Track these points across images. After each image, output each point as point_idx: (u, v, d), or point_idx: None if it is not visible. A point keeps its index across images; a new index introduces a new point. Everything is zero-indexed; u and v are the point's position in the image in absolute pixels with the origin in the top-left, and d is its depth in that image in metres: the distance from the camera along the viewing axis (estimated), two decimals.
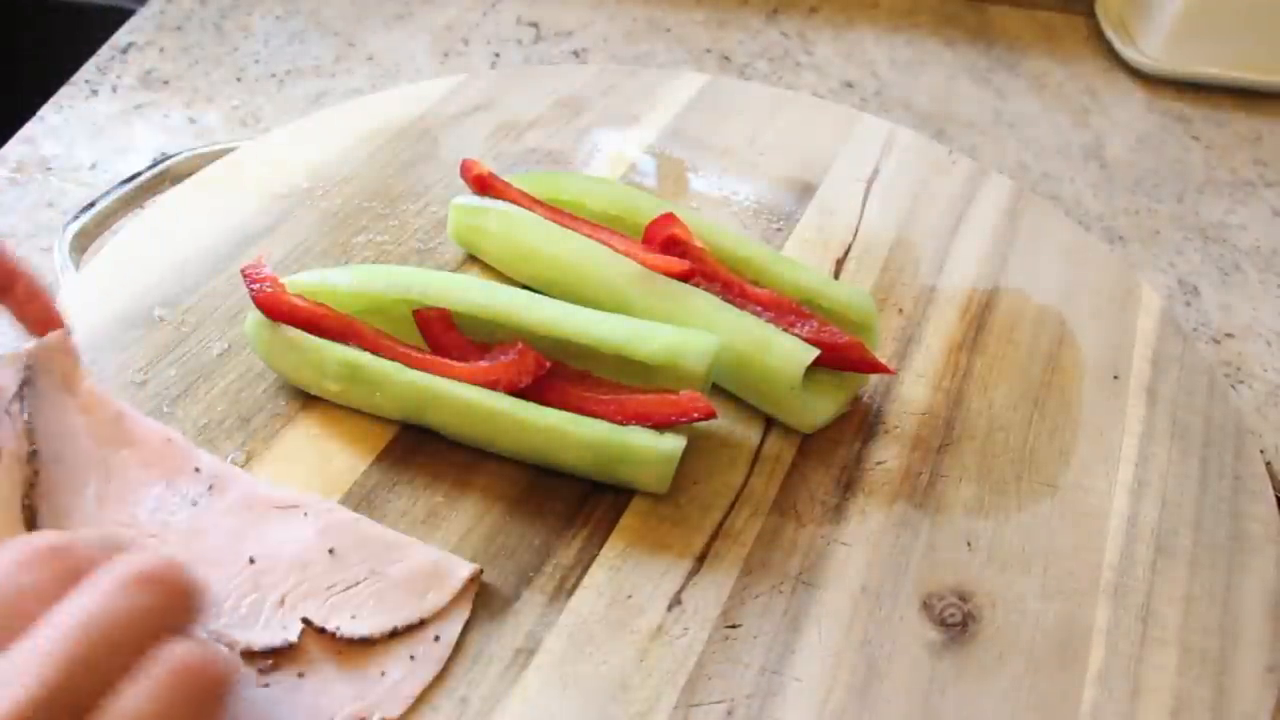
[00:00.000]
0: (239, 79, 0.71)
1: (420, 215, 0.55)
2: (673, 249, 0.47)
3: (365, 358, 0.43)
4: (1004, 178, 0.61)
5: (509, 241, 0.50)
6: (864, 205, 0.58)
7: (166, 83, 0.71)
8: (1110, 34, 0.79)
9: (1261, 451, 0.48)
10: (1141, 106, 0.74)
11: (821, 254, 0.55)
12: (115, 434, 0.40)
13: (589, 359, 0.44)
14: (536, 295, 0.45)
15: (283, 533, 0.38)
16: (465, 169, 0.53)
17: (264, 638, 0.35)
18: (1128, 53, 0.76)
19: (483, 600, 0.39)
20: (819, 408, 0.45)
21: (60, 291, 0.49)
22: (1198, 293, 0.59)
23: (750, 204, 0.58)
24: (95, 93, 0.70)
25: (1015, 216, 0.58)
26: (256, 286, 0.43)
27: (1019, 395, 0.48)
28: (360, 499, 0.42)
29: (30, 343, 0.39)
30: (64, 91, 0.71)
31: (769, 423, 0.46)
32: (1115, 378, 0.49)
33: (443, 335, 0.45)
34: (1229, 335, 0.56)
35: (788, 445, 0.45)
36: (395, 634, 0.36)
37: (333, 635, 0.36)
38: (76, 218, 0.53)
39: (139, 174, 0.56)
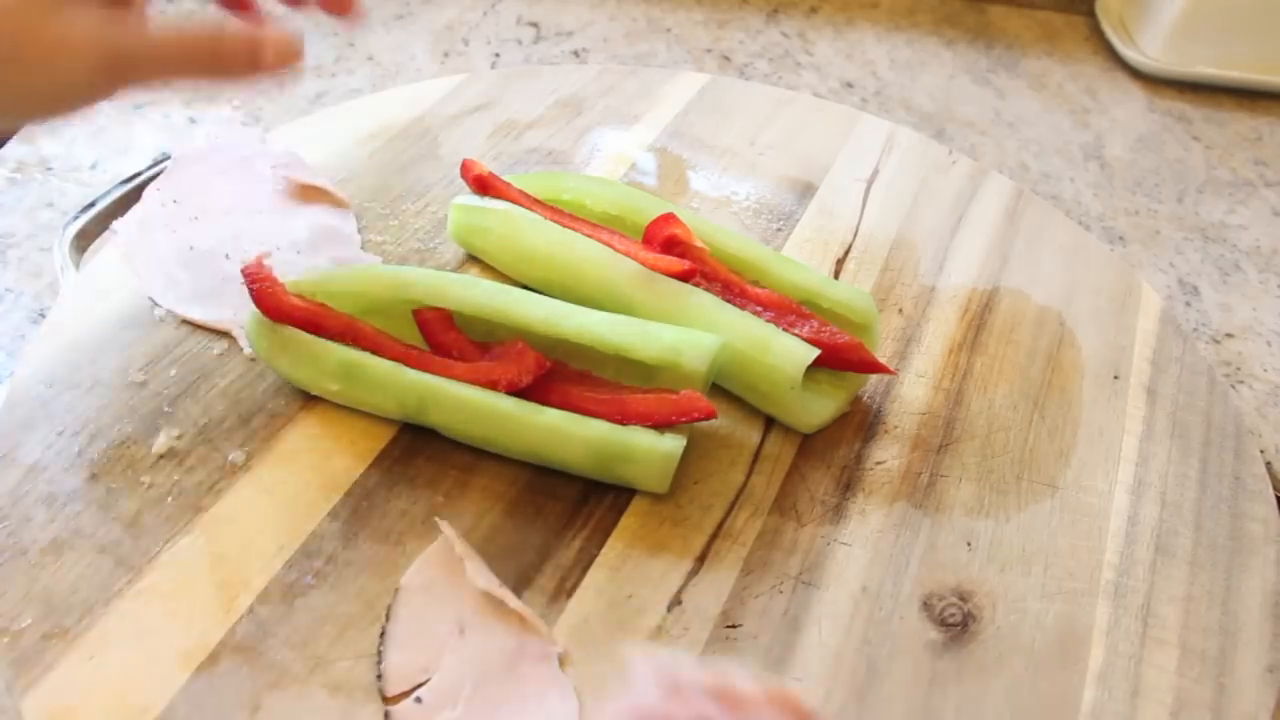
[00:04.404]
0: None
1: (420, 215, 0.55)
2: (673, 249, 0.47)
3: (365, 357, 0.43)
4: (1004, 178, 0.61)
5: (509, 241, 0.50)
6: (864, 205, 0.58)
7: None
8: (1110, 34, 0.79)
9: (1261, 451, 0.48)
10: (1141, 106, 0.74)
11: (821, 254, 0.55)
12: None
13: (589, 359, 0.44)
14: (537, 295, 0.45)
15: None
16: (465, 169, 0.53)
17: None
18: (1128, 53, 0.76)
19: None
20: (819, 408, 0.45)
21: (60, 292, 0.49)
22: (1198, 293, 0.59)
23: (750, 204, 0.58)
24: None
25: (1015, 216, 0.58)
26: (256, 286, 0.43)
27: (1019, 395, 0.48)
28: (360, 499, 0.42)
29: None
30: None
31: (769, 423, 0.46)
32: (1115, 378, 0.49)
33: (443, 335, 0.45)
34: (1229, 335, 0.56)
35: (788, 445, 0.45)
36: None
37: None
38: (76, 218, 0.53)
39: (139, 174, 0.56)
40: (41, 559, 0.39)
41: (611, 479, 0.42)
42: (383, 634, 0.37)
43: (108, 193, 0.55)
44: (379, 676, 0.36)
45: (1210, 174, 0.68)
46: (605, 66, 0.68)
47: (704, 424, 0.45)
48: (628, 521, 0.42)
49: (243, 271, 0.44)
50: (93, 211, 0.54)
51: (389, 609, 0.38)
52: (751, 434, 0.46)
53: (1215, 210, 0.65)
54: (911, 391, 0.48)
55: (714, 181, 0.59)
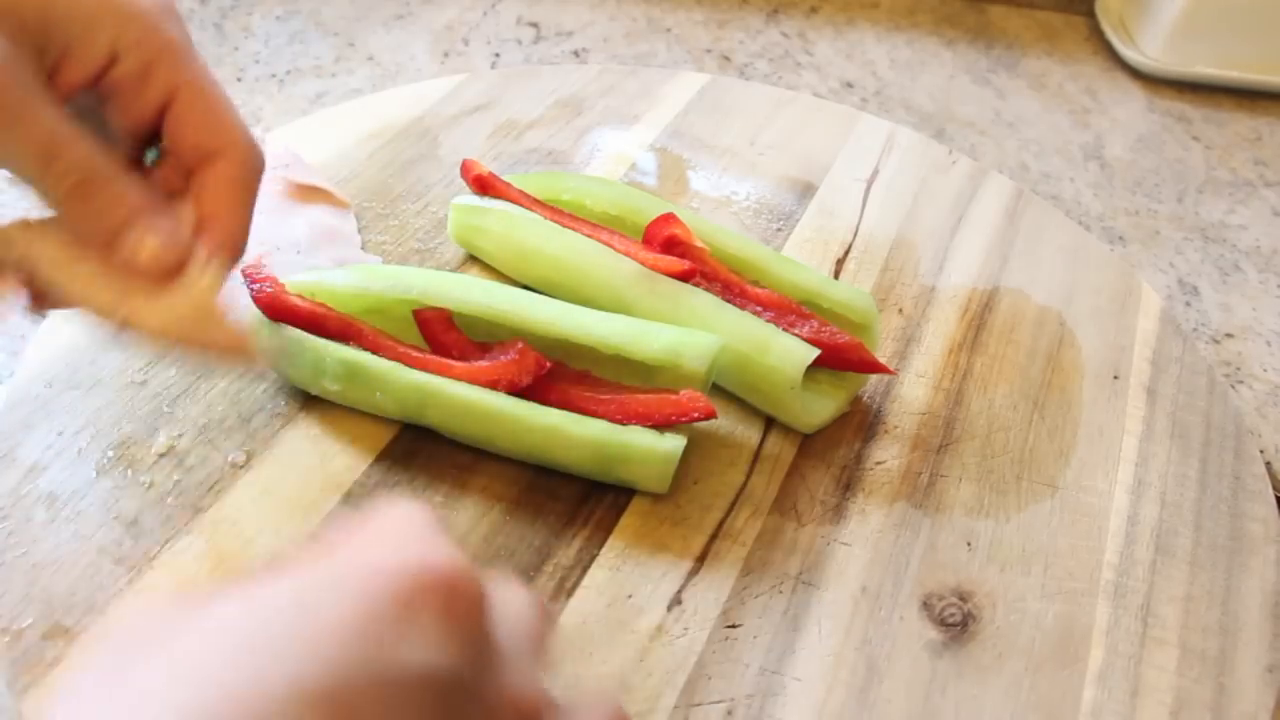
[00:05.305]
0: (239, 79, 0.70)
1: (420, 215, 0.55)
2: (673, 249, 0.47)
3: (365, 358, 0.43)
4: (1004, 178, 0.61)
5: (509, 241, 0.50)
6: (864, 205, 0.58)
7: None
8: (1110, 34, 0.79)
9: (1261, 451, 0.48)
10: (1141, 106, 0.74)
11: (821, 254, 0.55)
12: None
13: (589, 359, 0.44)
14: (536, 295, 0.45)
15: None
16: (465, 169, 0.53)
17: None
18: (1128, 53, 0.76)
19: None
20: (819, 408, 0.45)
21: None
22: (1198, 293, 0.59)
23: (750, 204, 0.58)
24: None
25: (1015, 216, 0.58)
26: (256, 286, 0.43)
27: (1019, 395, 0.48)
28: (360, 499, 0.42)
29: None
30: None
31: (769, 423, 0.46)
32: (1115, 378, 0.49)
33: (443, 335, 0.45)
34: (1229, 335, 0.56)
35: (788, 445, 0.45)
36: None
37: None
38: None
39: None
40: (41, 559, 0.39)
41: (611, 479, 0.42)
42: None
43: None
44: None
45: (1210, 174, 0.68)
46: (605, 66, 0.68)
47: (704, 424, 0.45)
48: (628, 521, 0.42)
49: (242, 272, 0.44)
50: None
51: None
52: (751, 434, 0.46)
53: (1215, 210, 0.65)
54: (911, 391, 0.48)
55: (714, 181, 0.59)
